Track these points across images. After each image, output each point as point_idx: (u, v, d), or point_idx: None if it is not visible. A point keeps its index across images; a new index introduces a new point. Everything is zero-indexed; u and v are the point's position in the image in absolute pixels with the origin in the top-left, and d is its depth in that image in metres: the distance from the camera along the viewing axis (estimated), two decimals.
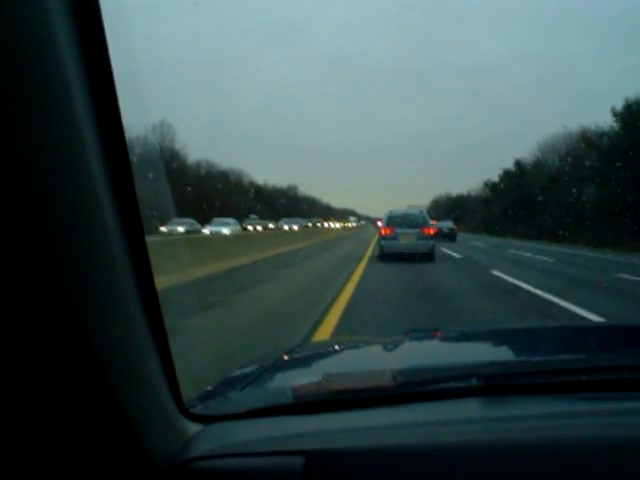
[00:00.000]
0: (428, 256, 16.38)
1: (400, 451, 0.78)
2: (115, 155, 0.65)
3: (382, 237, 17.06)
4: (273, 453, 0.78)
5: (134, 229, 0.69)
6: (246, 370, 1.43)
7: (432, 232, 17.20)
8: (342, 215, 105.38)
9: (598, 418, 0.86)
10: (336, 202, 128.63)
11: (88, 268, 0.60)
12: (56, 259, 0.56)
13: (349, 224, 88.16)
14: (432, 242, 16.89)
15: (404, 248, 16.37)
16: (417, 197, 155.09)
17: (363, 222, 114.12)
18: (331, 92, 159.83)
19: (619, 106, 32.64)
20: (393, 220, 17.24)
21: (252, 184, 68.37)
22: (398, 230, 16.69)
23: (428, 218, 18.00)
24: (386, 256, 16.35)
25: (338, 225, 64.06)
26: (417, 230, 16.75)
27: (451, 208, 73.13)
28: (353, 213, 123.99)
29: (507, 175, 54.25)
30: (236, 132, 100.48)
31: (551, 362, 1.23)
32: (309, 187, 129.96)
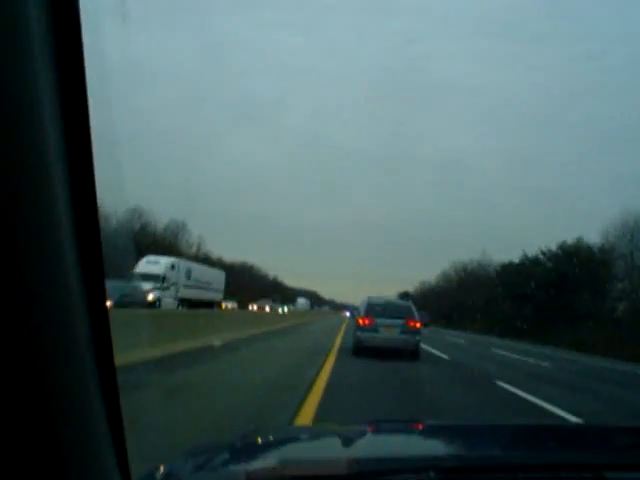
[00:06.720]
0: (412, 353, 14.16)
1: None
2: (85, 219, 0.65)
3: (359, 328, 14.63)
4: None
5: (96, 297, 0.67)
6: (202, 451, 1.37)
7: (418, 325, 14.71)
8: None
9: None
10: (296, 282, 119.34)
11: (41, 333, 0.58)
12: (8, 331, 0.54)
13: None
14: (417, 337, 14.45)
15: (384, 342, 14.14)
16: (387, 286, 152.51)
17: (302, 301, 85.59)
18: (301, 174, 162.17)
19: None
20: (373, 309, 14.80)
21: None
22: (379, 321, 14.34)
23: (414, 309, 15.47)
24: (362, 350, 14.07)
25: None
26: (401, 322, 14.33)
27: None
28: (315, 295, 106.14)
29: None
30: (202, 206, 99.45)
31: (510, 457, 1.22)
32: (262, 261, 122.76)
